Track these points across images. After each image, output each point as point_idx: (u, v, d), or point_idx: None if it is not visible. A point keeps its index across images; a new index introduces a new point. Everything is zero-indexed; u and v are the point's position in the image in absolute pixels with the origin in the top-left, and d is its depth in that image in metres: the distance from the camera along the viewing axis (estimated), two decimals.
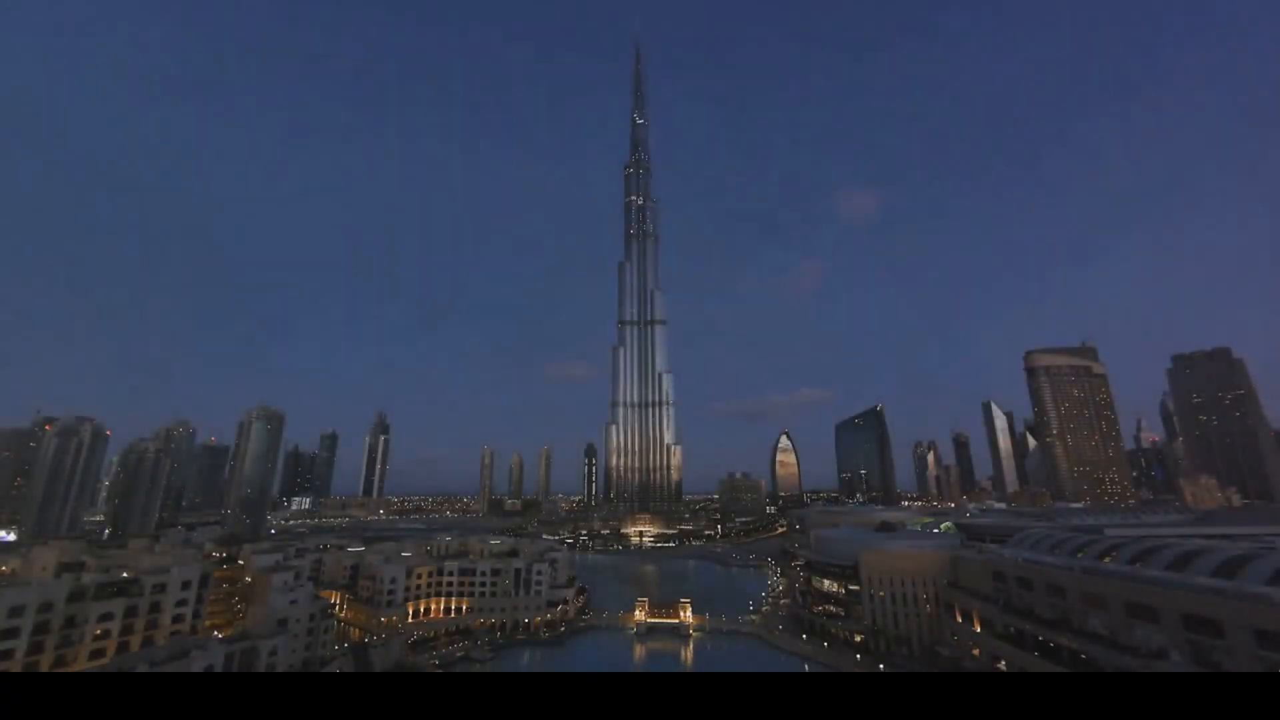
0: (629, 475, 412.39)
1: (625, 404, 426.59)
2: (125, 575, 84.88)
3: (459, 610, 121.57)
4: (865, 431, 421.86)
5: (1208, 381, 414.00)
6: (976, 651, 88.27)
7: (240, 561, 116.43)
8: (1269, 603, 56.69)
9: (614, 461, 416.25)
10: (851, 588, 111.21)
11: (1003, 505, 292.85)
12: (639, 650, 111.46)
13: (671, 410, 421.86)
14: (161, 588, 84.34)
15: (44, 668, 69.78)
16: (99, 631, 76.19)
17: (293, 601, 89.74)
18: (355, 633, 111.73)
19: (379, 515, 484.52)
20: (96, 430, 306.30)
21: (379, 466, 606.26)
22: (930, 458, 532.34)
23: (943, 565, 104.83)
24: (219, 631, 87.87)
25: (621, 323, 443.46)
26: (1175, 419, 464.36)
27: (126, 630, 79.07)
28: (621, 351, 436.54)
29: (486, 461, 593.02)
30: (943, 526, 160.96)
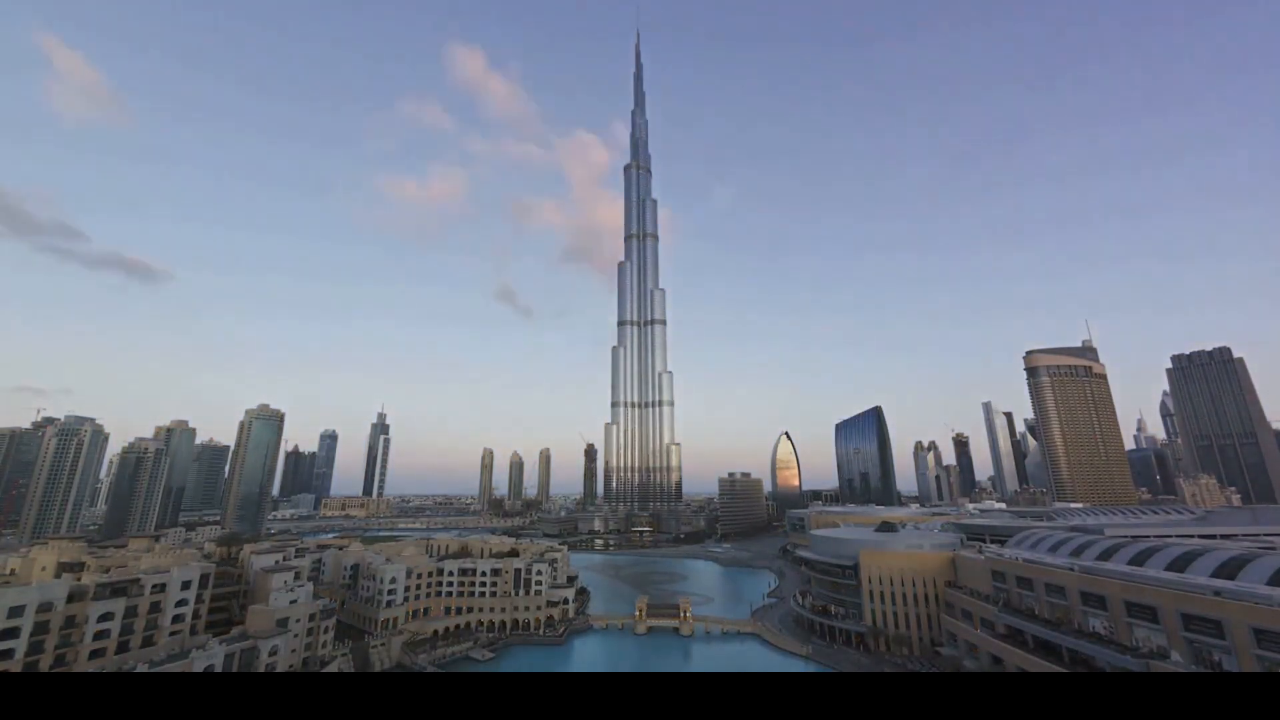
0: (629, 475, 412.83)
1: (625, 404, 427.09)
2: (125, 575, 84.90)
3: (459, 610, 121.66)
4: (865, 431, 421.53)
5: (1208, 381, 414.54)
6: (976, 651, 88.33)
7: (240, 561, 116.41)
8: (1269, 602, 56.75)
9: (614, 461, 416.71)
10: (851, 587, 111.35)
11: (1003, 505, 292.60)
12: (639, 650, 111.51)
13: (671, 410, 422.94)
14: (161, 588, 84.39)
15: (44, 668, 69.83)
16: (99, 631, 76.26)
17: (293, 601, 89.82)
18: (355, 633, 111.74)
19: (379, 515, 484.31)
20: (96, 430, 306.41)
21: (379, 466, 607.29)
22: (930, 458, 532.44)
23: (943, 565, 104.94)
24: (219, 631, 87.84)
25: (621, 323, 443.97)
26: (1175, 419, 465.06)
27: (126, 630, 79.13)
28: (621, 351, 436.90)
29: (486, 462, 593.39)
30: (941, 526, 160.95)
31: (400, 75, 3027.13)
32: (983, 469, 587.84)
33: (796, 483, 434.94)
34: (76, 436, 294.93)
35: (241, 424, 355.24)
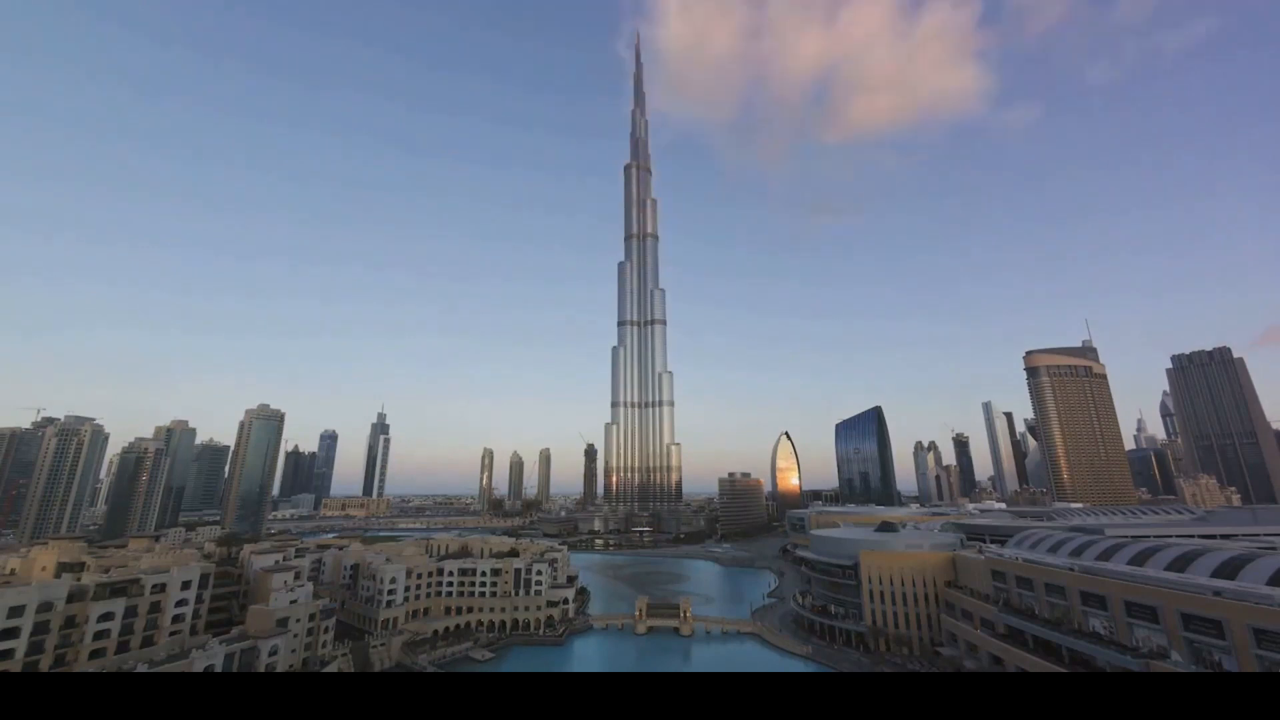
0: (629, 475, 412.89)
1: (625, 404, 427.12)
2: (125, 575, 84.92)
3: (459, 610, 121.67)
4: (865, 432, 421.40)
5: (1208, 381, 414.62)
6: (976, 651, 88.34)
7: (240, 561, 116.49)
8: (1269, 602, 56.76)
9: (614, 461, 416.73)
10: (851, 587, 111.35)
11: (1003, 505, 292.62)
12: (639, 650, 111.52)
13: (671, 410, 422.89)
14: (161, 588, 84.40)
15: (44, 668, 69.84)
16: (99, 631, 76.26)
17: (293, 601, 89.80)
18: (355, 633, 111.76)
19: (379, 515, 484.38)
20: (96, 430, 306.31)
21: (379, 466, 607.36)
22: (930, 458, 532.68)
23: (943, 565, 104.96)
24: (219, 632, 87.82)
25: (621, 323, 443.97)
26: (1175, 419, 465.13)
27: (126, 630, 79.13)
28: (621, 351, 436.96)
29: (486, 462, 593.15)
30: (941, 526, 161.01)
31: (399, 74, 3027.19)
32: (983, 469, 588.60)
33: (796, 483, 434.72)
34: (76, 436, 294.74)
35: (241, 424, 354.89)
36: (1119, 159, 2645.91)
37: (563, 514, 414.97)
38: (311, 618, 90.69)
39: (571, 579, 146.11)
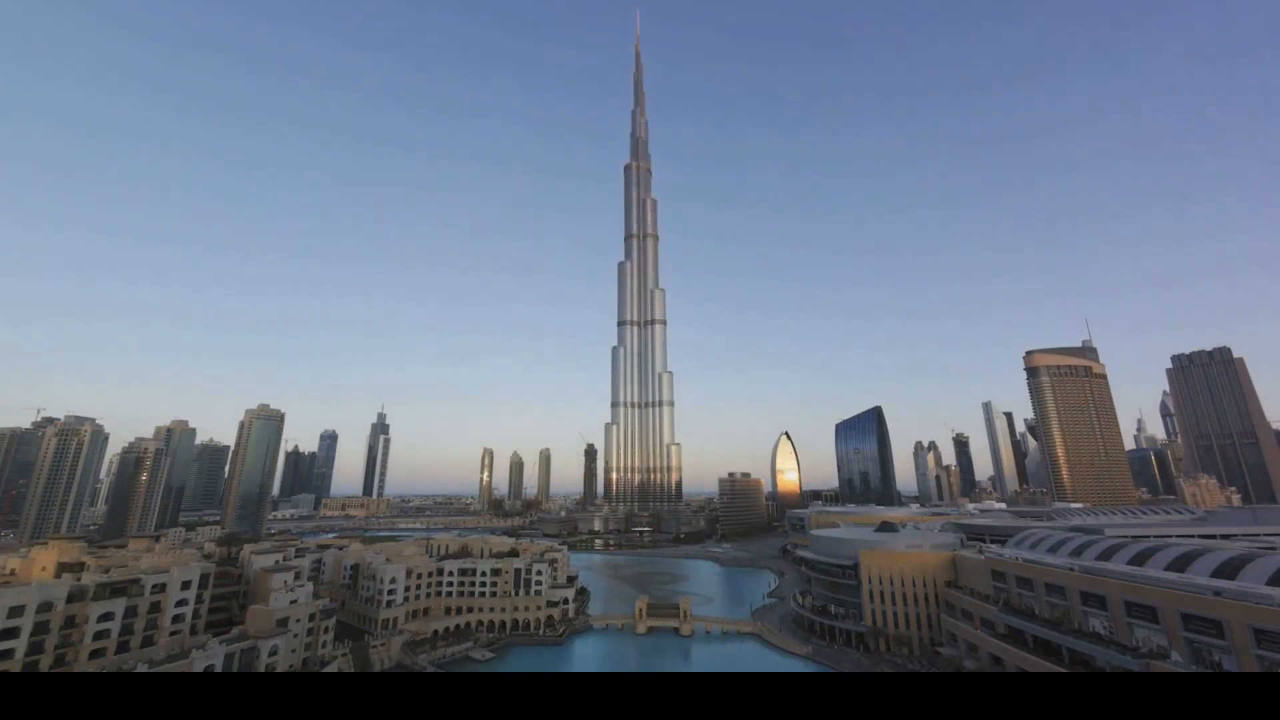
0: (629, 475, 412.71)
1: (625, 404, 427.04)
2: (125, 575, 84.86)
3: (459, 610, 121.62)
4: (865, 431, 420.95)
5: (1208, 381, 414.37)
6: (976, 651, 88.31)
7: (240, 561, 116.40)
8: (1269, 602, 56.74)
9: (614, 461, 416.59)
10: (851, 587, 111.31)
11: (1003, 505, 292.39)
12: (639, 650, 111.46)
13: (671, 410, 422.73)
14: (161, 588, 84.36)
15: (44, 668, 69.79)
16: (99, 631, 76.21)
17: (293, 601, 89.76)
18: (355, 633, 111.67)
19: (379, 515, 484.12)
20: (96, 430, 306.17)
21: (379, 466, 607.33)
22: (930, 458, 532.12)
23: (943, 565, 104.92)
24: (219, 632, 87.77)
25: (621, 323, 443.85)
26: (1175, 419, 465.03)
27: (126, 630, 79.08)
28: (621, 351, 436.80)
29: (486, 462, 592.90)
30: (941, 526, 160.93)
31: (402, 72, 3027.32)
32: (983, 469, 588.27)
33: (796, 483, 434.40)
34: (76, 436, 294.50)
35: (241, 424, 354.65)
36: (1118, 157, 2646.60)
37: (563, 514, 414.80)
38: (311, 618, 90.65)
39: (571, 579, 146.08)
